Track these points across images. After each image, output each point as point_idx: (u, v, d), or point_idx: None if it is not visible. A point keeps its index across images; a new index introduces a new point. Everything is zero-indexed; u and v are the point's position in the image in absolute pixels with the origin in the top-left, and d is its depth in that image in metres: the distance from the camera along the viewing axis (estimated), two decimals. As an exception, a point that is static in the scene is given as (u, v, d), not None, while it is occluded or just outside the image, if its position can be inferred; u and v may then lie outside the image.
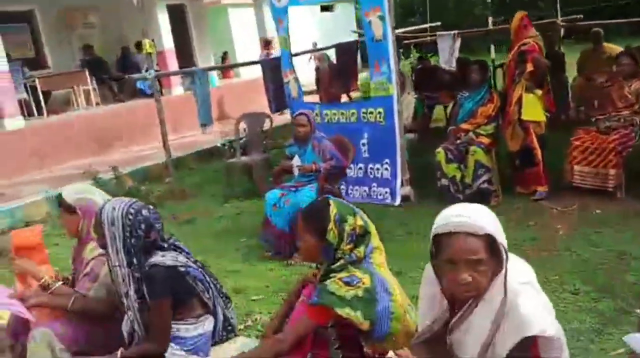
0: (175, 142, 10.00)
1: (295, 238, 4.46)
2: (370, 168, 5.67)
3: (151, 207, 2.55)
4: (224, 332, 2.70)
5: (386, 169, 5.61)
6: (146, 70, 10.32)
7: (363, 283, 2.02)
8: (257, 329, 3.40)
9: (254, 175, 6.87)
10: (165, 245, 2.53)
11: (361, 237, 2.12)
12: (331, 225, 2.09)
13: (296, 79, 6.24)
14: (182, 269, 2.48)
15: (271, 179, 6.77)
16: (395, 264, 3.52)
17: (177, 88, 11.59)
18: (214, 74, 12.71)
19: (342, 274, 2.04)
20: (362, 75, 10.48)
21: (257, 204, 6.35)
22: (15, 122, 8.84)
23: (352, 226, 2.11)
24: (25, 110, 9.86)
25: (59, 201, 2.75)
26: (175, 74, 10.85)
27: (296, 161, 4.64)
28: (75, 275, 2.90)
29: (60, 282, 2.73)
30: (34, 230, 2.88)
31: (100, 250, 2.66)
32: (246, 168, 6.92)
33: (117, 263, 2.44)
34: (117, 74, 12.26)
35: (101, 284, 2.65)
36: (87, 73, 11.00)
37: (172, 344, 2.45)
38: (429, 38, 9.57)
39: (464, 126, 5.39)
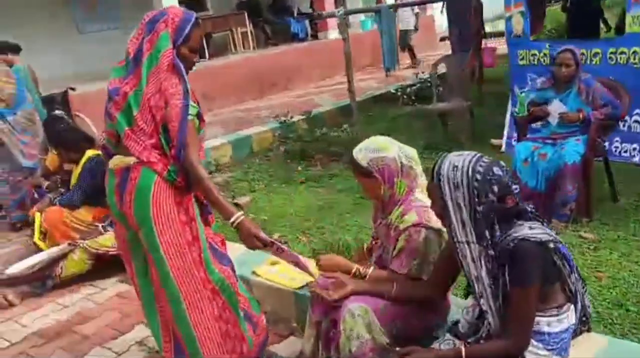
0: (335, 88, 9.53)
1: (552, 201, 3.74)
2: (615, 120, 4.72)
3: (503, 163, 1.92)
4: (579, 324, 2.08)
5: (636, 121, 4.66)
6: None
7: None
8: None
9: (448, 124, 6.17)
10: (529, 213, 1.91)
11: None
12: None
13: (522, 13, 5.31)
14: (552, 246, 1.85)
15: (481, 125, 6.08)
16: None
17: (333, 32, 11.03)
18: (364, 17, 12.04)
19: None
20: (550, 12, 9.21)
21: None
22: (185, 63, 8.73)
23: None
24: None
25: (352, 162, 2.18)
26: (361, 11, 10.43)
27: (556, 107, 3.83)
28: (374, 240, 2.41)
29: (372, 268, 2.23)
30: None
31: (412, 218, 2.12)
32: (440, 116, 6.22)
33: (463, 239, 1.87)
34: (270, 16, 11.96)
35: (422, 260, 2.13)
36: (246, 15, 10.74)
37: (532, 340, 1.87)
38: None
39: None
